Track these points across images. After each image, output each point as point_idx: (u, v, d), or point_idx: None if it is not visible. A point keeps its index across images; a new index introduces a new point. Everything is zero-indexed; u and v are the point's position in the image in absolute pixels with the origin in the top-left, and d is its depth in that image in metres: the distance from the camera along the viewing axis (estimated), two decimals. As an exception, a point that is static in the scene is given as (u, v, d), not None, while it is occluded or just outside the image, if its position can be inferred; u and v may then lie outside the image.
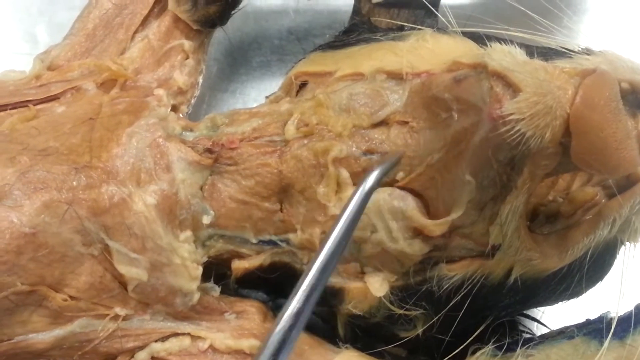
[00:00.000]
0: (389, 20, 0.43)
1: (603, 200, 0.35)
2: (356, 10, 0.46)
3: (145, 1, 0.40)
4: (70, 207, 0.31)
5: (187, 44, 0.40)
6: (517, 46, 0.32)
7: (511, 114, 0.29)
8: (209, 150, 0.35)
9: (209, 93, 0.48)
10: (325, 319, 0.38)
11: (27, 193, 0.31)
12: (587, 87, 0.30)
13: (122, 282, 0.33)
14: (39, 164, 0.32)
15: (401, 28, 0.41)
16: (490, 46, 0.32)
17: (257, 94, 0.49)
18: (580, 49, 0.35)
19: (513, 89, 0.30)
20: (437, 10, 0.46)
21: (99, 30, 0.40)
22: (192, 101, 0.42)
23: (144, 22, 0.40)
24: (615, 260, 0.37)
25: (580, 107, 0.29)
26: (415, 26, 0.40)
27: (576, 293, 0.37)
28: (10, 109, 0.36)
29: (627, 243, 0.36)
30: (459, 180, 0.32)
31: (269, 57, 0.50)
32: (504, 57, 0.31)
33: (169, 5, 0.40)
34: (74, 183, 0.32)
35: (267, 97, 0.41)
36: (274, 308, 0.38)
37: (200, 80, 0.42)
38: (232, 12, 0.43)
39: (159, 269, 0.34)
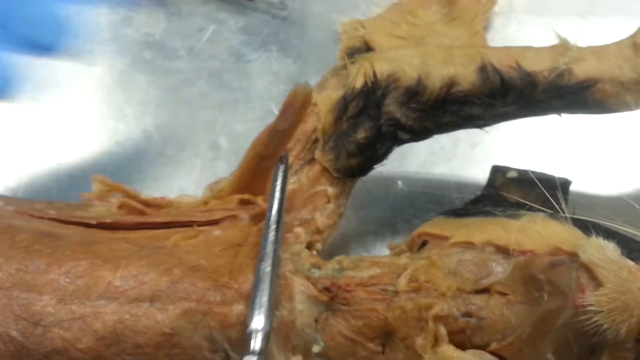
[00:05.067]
0: (516, 199, 0.47)
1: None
2: (490, 182, 0.50)
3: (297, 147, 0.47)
4: (205, 317, 0.38)
5: (330, 190, 0.47)
6: (615, 242, 0.35)
7: (591, 305, 0.32)
8: (327, 289, 0.40)
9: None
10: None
11: (173, 300, 0.38)
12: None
13: (236, 387, 0.39)
14: (187, 278, 0.39)
15: (526, 206, 0.45)
16: (589, 239, 0.36)
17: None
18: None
19: (597, 282, 0.33)
20: (567, 194, 0.50)
21: (258, 170, 0.48)
22: (328, 240, 0.47)
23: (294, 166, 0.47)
24: None
25: (657, 311, 0.32)
26: (538, 207, 0.43)
27: None
28: (178, 227, 0.44)
29: None
30: (542, 356, 0.35)
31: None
32: (595, 252, 0.34)
33: (315, 155, 0.46)
34: (211, 298, 0.38)
35: (389, 248, 0.46)
36: None
37: (339, 222, 0.48)
38: (374, 166, 0.49)
39: (269, 382, 0.39)
